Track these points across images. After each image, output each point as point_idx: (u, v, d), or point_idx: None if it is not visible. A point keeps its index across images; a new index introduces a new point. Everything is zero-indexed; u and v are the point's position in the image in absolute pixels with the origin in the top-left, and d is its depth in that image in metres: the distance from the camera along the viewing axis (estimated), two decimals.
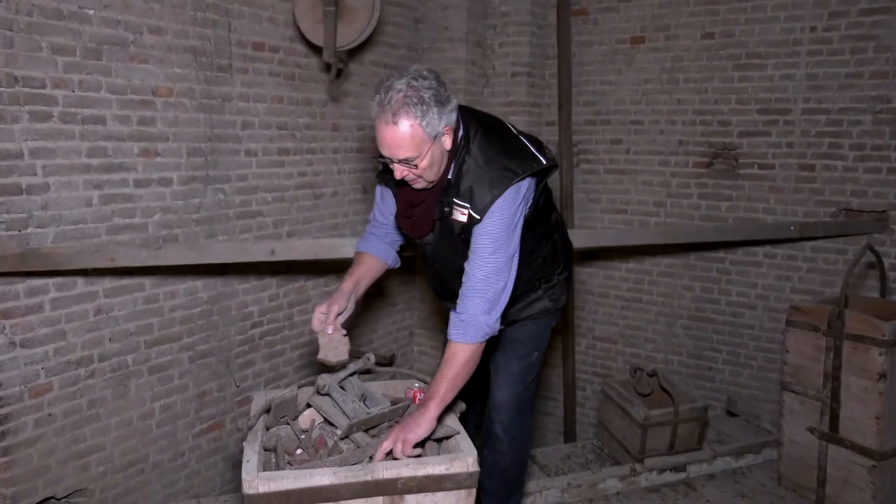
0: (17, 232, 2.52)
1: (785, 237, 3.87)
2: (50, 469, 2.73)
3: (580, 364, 4.81)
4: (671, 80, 4.24)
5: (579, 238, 3.94)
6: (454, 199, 1.99)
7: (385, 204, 2.32)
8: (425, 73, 1.91)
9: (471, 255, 1.99)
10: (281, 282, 3.66)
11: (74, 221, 2.69)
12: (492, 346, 2.40)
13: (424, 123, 1.86)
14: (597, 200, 4.61)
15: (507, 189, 1.95)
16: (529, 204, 2.10)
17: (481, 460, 2.22)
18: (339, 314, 2.13)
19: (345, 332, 2.11)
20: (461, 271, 2.04)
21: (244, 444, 1.89)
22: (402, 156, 1.89)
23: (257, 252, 2.84)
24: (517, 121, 4.07)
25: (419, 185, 2.01)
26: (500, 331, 2.32)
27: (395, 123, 1.84)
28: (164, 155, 2.99)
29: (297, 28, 3.41)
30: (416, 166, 1.92)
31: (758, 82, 3.96)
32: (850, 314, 2.91)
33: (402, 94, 1.84)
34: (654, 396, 3.46)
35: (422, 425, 1.87)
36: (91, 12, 2.66)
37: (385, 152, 1.90)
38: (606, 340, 4.74)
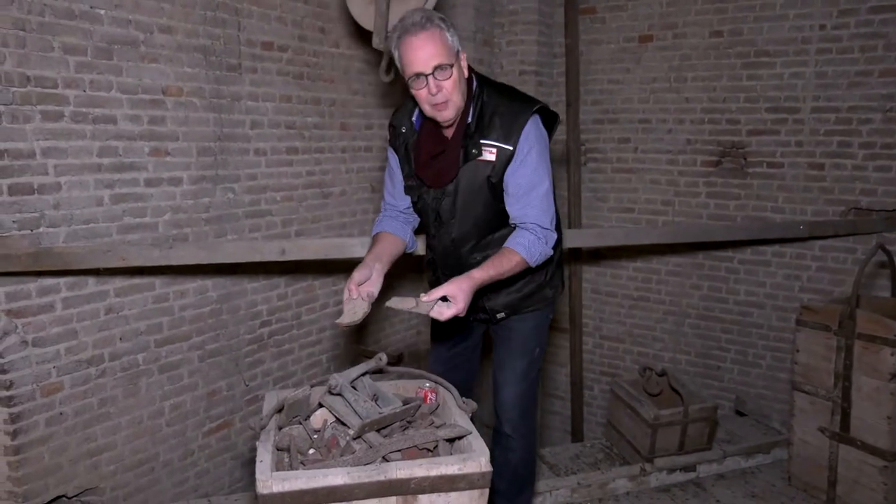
0: (29, 231, 2.53)
1: (794, 236, 3.85)
2: (61, 467, 2.74)
3: (587, 363, 4.81)
4: (679, 79, 4.23)
5: (588, 237, 3.94)
6: (480, 141, 2.07)
7: (395, 184, 2.33)
8: None
9: (513, 195, 2.09)
10: (289, 281, 3.66)
11: (85, 221, 2.70)
12: (494, 344, 2.46)
13: (449, 34, 1.98)
14: (604, 199, 4.60)
15: (528, 119, 2.05)
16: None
17: (492, 460, 2.22)
18: (361, 283, 2.14)
19: (369, 297, 2.12)
20: (477, 224, 2.16)
21: (257, 443, 1.88)
22: (437, 62, 1.94)
23: (268, 252, 2.85)
24: None
25: (447, 113, 2.03)
26: (502, 325, 2.39)
27: (426, 31, 1.94)
28: (174, 154, 2.99)
29: (346, 12, 3.13)
30: (450, 75, 1.97)
31: (766, 80, 3.95)
32: (861, 314, 2.90)
33: (423, 14, 1.98)
34: (663, 396, 3.46)
35: (465, 295, 1.93)
36: (102, 12, 2.66)
37: (418, 66, 1.95)
38: (614, 339, 4.73)
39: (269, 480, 1.68)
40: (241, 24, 3.21)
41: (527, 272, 2.25)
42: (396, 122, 2.26)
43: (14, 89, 2.44)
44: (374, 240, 2.31)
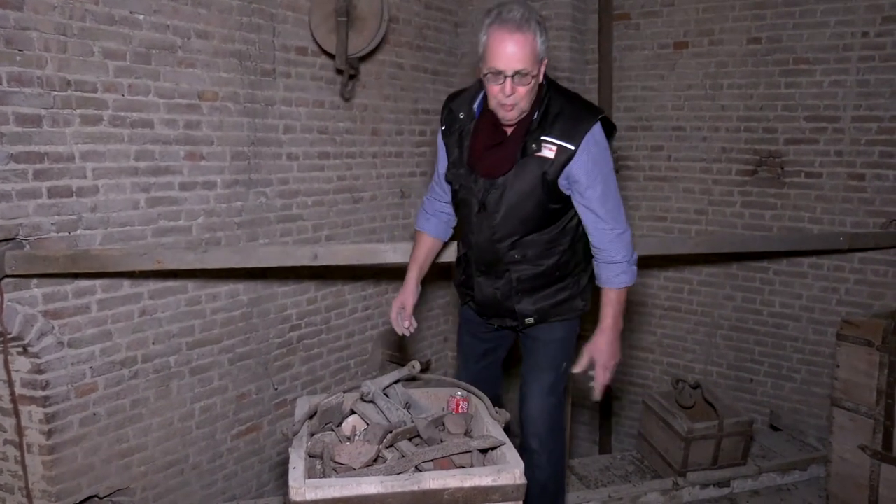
0: (67, 234, 2.56)
1: (833, 248, 3.76)
2: (94, 468, 2.76)
3: (616, 373, 4.73)
4: (715, 86, 4.16)
5: None
6: (542, 137, 2.05)
7: (443, 167, 2.33)
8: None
9: (587, 207, 2.11)
10: (319, 285, 3.67)
11: (122, 224, 2.73)
12: (523, 357, 2.44)
13: (540, 41, 1.96)
14: (636, 207, 4.54)
15: (593, 124, 2.05)
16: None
17: None
18: (404, 305, 2.39)
19: (415, 323, 2.40)
20: (523, 220, 2.13)
21: (290, 449, 1.88)
22: (519, 67, 1.92)
23: (301, 256, 2.85)
24: None
25: (511, 115, 2.03)
26: (530, 335, 2.37)
27: (521, 32, 1.91)
28: (208, 158, 3.02)
29: (313, 37, 3.40)
30: (528, 83, 1.96)
31: (806, 89, 3.86)
32: None
33: (523, 12, 1.94)
34: (696, 409, 3.39)
35: (616, 349, 2.20)
36: (141, 17, 2.70)
37: (500, 64, 1.93)
38: (643, 350, 4.66)
39: (303, 488, 1.67)
40: (275, 30, 3.23)
41: (560, 279, 2.27)
42: (455, 106, 2.21)
43: (55, 93, 2.47)
44: (419, 241, 2.43)
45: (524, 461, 2.40)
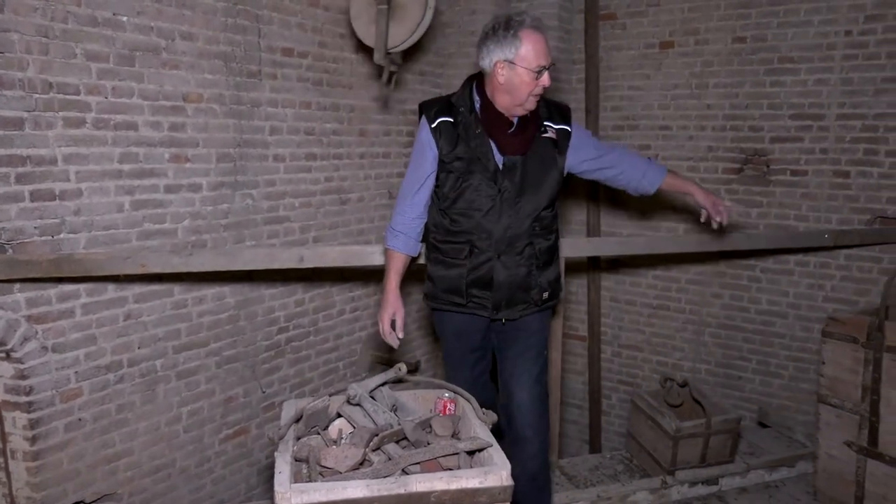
0: (50, 237, 2.54)
1: (819, 245, 3.78)
2: (79, 473, 2.74)
3: (605, 372, 4.75)
4: (701, 85, 4.17)
5: (608, 246, 3.89)
6: (545, 123, 2.43)
7: (426, 182, 2.41)
8: None
9: (603, 148, 2.59)
10: (307, 287, 3.65)
11: (106, 227, 2.70)
12: (504, 351, 2.54)
13: None
14: (623, 206, 4.55)
15: (570, 108, 2.56)
16: None
17: None
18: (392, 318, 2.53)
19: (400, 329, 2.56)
20: (544, 192, 2.40)
21: (276, 454, 1.87)
22: (552, 60, 2.29)
23: (287, 259, 2.84)
24: None
25: (534, 105, 2.34)
26: (518, 326, 2.49)
27: (545, 32, 2.29)
28: (193, 161, 3.00)
29: (351, 30, 3.35)
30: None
31: (790, 87, 3.88)
32: (890, 326, 2.84)
33: (532, 15, 2.32)
34: (684, 407, 3.40)
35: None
36: (125, 19, 2.67)
37: (545, 59, 2.26)
38: (632, 348, 4.68)
39: (288, 493, 1.66)
40: (261, 31, 3.21)
41: (556, 257, 2.53)
42: (456, 100, 2.40)
43: (37, 96, 2.45)
44: (394, 258, 2.51)
45: (513, 453, 2.44)
